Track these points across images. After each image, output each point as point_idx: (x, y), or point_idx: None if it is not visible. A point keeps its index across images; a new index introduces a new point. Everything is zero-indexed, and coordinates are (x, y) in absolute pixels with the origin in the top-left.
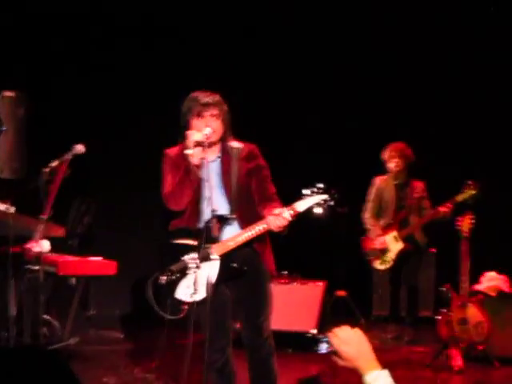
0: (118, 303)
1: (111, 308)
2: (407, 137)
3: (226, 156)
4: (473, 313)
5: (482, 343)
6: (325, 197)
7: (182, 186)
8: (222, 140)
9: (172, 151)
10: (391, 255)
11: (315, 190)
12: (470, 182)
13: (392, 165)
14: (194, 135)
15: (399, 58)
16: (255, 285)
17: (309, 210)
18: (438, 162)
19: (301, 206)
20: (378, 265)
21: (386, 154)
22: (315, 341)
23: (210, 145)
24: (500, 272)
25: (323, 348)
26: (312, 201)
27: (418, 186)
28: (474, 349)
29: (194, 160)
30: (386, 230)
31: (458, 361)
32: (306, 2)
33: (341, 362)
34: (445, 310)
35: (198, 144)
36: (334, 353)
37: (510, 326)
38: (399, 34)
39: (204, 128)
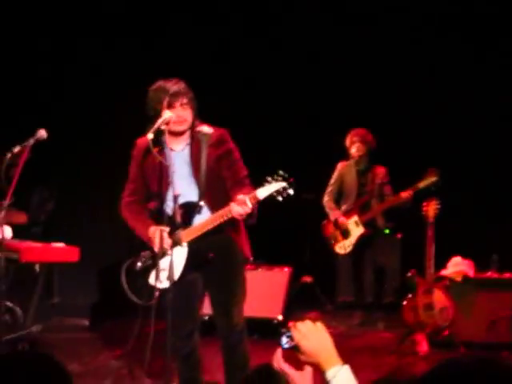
0: (83, 290)
1: (76, 295)
2: (370, 123)
3: (195, 143)
4: (438, 298)
5: (448, 328)
6: (284, 184)
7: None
8: (191, 127)
9: (142, 141)
10: (351, 240)
11: (276, 177)
12: (431, 169)
13: (354, 150)
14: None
15: (360, 43)
16: (226, 271)
17: (270, 197)
18: (400, 148)
19: (261, 193)
20: (338, 249)
21: (347, 140)
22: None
23: (181, 133)
24: (465, 257)
25: (284, 342)
26: (272, 188)
27: (380, 171)
28: (440, 334)
29: None
30: (347, 214)
31: (423, 346)
32: None
33: (301, 357)
34: (410, 296)
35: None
36: (294, 347)
37: (475, 310)
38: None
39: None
